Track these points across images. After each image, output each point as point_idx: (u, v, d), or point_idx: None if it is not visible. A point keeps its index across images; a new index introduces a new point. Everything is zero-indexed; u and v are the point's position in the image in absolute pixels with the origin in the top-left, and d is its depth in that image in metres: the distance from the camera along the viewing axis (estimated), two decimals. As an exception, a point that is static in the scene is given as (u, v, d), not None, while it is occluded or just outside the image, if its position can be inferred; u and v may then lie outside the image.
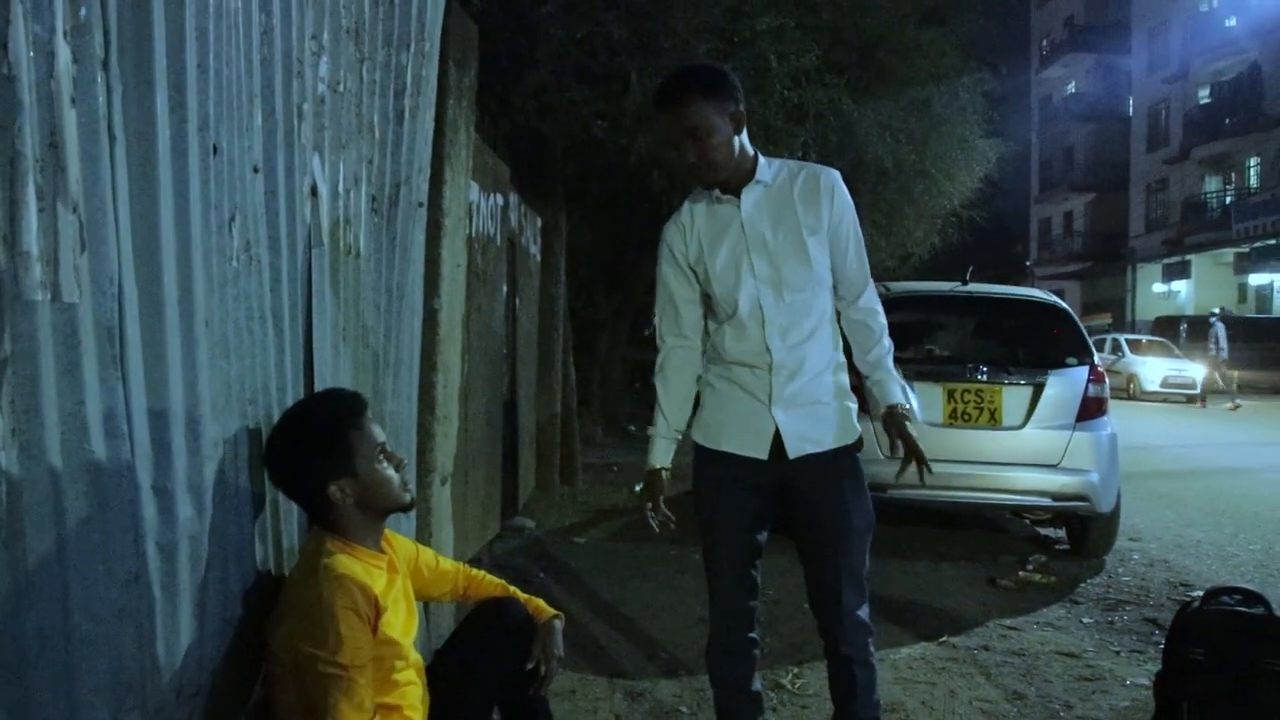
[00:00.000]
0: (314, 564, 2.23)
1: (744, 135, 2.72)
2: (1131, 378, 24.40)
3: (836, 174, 2.81)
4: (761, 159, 2.78)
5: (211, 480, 2.11)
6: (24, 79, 1.56)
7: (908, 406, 2.87)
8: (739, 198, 2.76)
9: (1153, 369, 24.29)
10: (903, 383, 2.89)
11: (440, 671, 2.61)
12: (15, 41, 1.53)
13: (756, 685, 2.98)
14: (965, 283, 6.88)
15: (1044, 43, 47.40)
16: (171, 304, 1.94)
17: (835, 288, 2.86)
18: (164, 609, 1.98)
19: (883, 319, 2.89)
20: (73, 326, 1.67)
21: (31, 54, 1.57)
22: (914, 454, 2.81)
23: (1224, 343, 23.29)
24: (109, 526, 1.78)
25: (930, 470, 2.79)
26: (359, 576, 2.22)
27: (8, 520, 1.57)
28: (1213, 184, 35.71)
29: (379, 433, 2.37)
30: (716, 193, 2.77)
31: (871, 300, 2.87)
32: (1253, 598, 3.39)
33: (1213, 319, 24.06)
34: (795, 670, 4.27)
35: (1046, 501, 6.35)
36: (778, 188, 2.78)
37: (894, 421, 2.83)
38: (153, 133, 1.87)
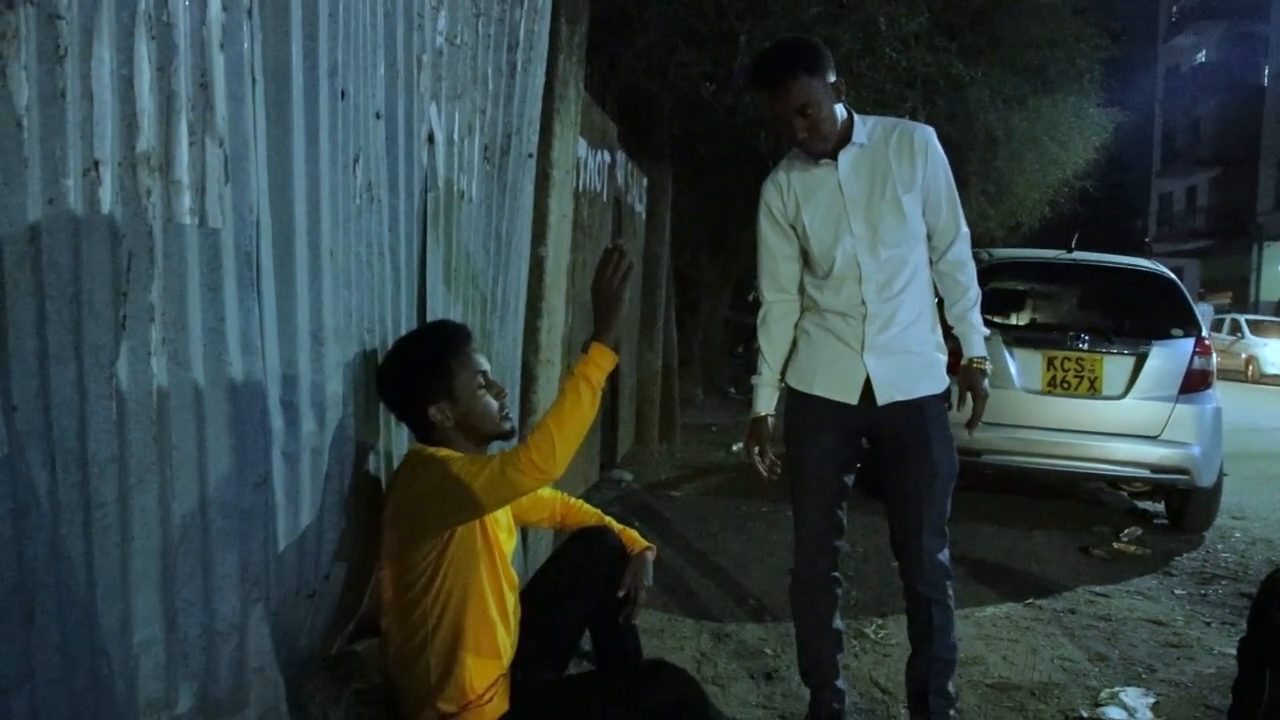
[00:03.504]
0: (417, 460, 2.39)
1: (841, 101, 2.81)
2: (1251, 359, 23.58)
3: (930, 130, 2.89)
4: (856, 118, 2.86)
5: (332, 399, 2.30)
6: (180, 26, 1.74)
7: (985, 360, 2.94)
8: (836, 160, 2.85)
9: (1274, 351, 23.39)
10: (985, 332, 2.95)
11: (535, 592, 2.77)
12: (173, -9, 1.71)
13: (838, 623, 3.11)
14: (1070, 250, 6.82)
15: (1173, 10, 45.59)
16: (301, 234, 2.13)
17: (929, 238, 2.93)
18: (287, 513, 2.18)
19: (971, 271, 2.95)
20: (216, 250, 1.86)
21: (186, 3, 1.76)
22: (977, 412, 2.92)
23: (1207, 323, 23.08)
24: (242, 433, 1.98)
25: (971, 432, 2.97)
26: None
27: (157, 418, 1.77)
28: (1351, 158, 34.10)
29: (481, 361, 2.52)
30: None
31: (961, 254, 2.93)
32: (1345, 566, 3.38)
33: (1198, 301, 23.61)
34: (879, 621, 4.37)
35: (1145, 473, 6.29)
36: (873, 147, 2.86)
37: (968, 376, 2.93)
38: (288, 77, 2.06)
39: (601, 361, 2.36)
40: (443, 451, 2.38)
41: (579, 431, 2.30)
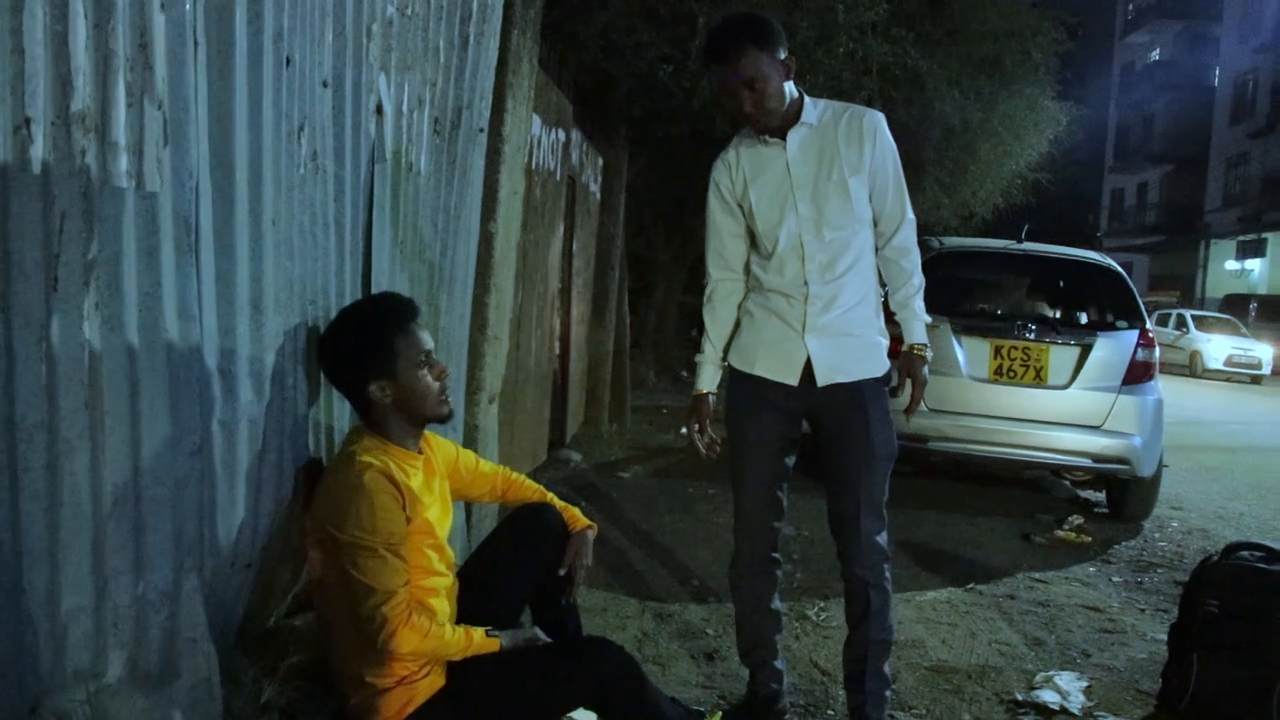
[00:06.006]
0: (350, 456, 2.34)
1: (791, 80, 2.82)
2: (1195, 354, 23.99)
3: (880, 116, 2.90)
4: (807, 99, 2.87)
5: (271, 368, 2.28)
6: (118, -18, 1.71)
7: (925, 347, 2.96)
8: (784, 139, 2.86)
9: (1217, 347, 23.80)
10: (927, 319, 2.97)
11: (475, 569, 2.77)
12: (112, -54, 1.68)
13: (777, 604, 3.13)
14: (1020, 241, 6.89)
15: (1130, 7, 46.07)
16: (242, 201, 2.10)
17: (875, 224, 2.95)
18: (223, 483, 2.16)
19: (916, 258, 2.97)
20: (153, 214, 1.83)
21: (125, -41, 1.72)
22: (915, 397, 2.95)
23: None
24: (178, 401, 1.95)
25: (909, 417, 2.98)
26: (391, 470, 2.33)
27: (89, 384, 1.74)
28: (1297, 160, 34.65)
29: (426, 340, 2.45)
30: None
31: (905, 240, 2.95)
32: (1274, 555, 3.45)
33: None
34: (821, 604, 4.41)
35: (1087, 463, 6.37)
36: (822, 128, 2.87)
37: (908, 362, 2.95)
38: (231, 41, 2.03)
39: (487, 647, 2.40)
40: (367, 500, 2.26)
41: (439, 653, 2.35)
